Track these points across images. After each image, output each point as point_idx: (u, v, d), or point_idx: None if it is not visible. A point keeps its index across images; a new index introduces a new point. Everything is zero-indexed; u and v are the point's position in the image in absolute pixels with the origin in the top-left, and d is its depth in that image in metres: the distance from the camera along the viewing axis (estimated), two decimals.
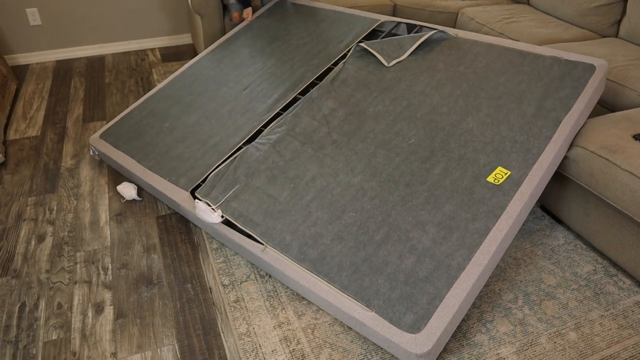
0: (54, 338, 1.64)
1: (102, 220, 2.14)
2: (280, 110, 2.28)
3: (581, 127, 1.94)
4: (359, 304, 1.52)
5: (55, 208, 2.22)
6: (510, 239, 1.66)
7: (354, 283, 1.56)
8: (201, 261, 1.93)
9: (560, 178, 2.03)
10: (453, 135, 1.97)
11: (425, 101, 2.14)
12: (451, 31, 2.47)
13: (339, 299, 1.55)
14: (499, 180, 1.75)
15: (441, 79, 2.23)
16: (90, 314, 1.72)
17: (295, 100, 2.33)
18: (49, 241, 2.03)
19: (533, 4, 3.40)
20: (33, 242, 2.03)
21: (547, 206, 2.14)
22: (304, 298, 1.76)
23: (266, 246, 1.68)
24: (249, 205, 1.83)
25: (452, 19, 3.41)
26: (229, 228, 1.84)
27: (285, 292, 1.79)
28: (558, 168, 1.99)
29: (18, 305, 1.75)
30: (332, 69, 2.46)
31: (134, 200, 2.24)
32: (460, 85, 2.18)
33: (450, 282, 1.52)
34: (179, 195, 2.02)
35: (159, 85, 2.69)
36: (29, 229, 2.09)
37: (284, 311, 1.71)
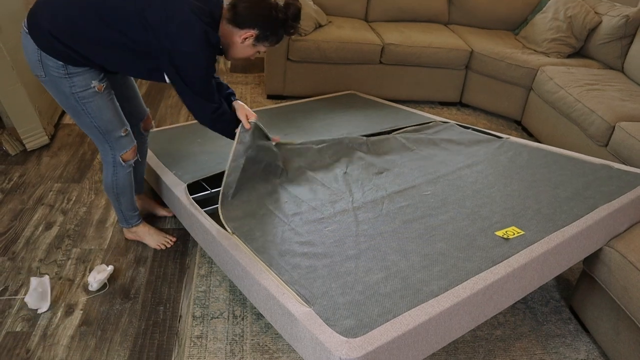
0: (17, 330, 1.65)
1: (109, 221, 2.16)
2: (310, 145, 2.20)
3: (624, 231, 1.65)
4: (300, 298, 1.32)
5: (73, 199, 2.28)
6: (505, 300, 1.39)
7: (304, 280, 1.37)
8: (183, 285, 1.88)
9: (592, 281, 1.74)
10: (471, 197, 1.79)
11: (453, 171, 2.01)
12: (503, 135, 2.36)
13: (280, 291, 1.34)
14: (509, 236, 1.52)
15: (477, 161, 2.10)
16: (59, 314, 1.72)
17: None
18: (54, 230, 2.08)
19: (627, 72, 3.04)
20: (40, 228, 2.08)
21: (576, 309, 1.85)
22: (266, 351, 1.64)
23: (233, 234, 1.60)
24: (241, 199, 1.78)
25: (531, 76, 3.13)
26: (208, 217, 1.75)
27: (251, 341, 1.68)
28: (587, 267, 1.71)
29: (1, 288, 1.80)
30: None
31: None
32: (496, 167, 2.03)
33: (415, 303, 1.25)
34: (176, 186, 1.96)
35: None
36: (42, 214, 2.16)
37: None
